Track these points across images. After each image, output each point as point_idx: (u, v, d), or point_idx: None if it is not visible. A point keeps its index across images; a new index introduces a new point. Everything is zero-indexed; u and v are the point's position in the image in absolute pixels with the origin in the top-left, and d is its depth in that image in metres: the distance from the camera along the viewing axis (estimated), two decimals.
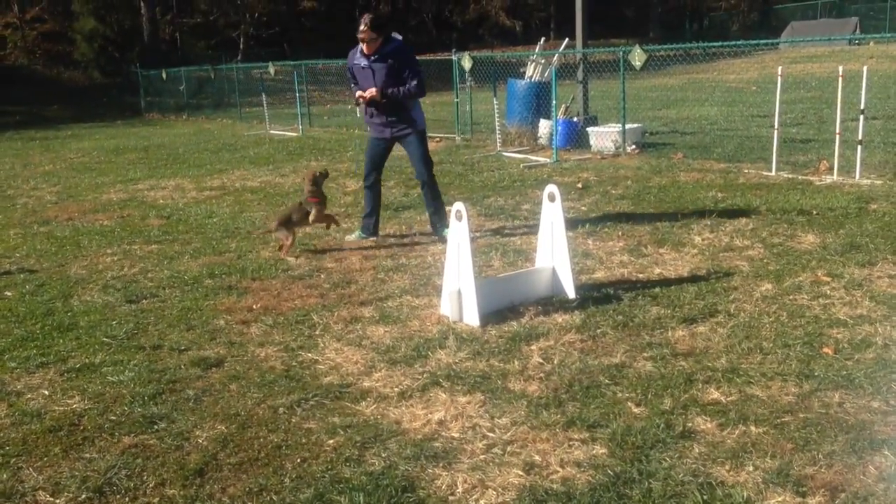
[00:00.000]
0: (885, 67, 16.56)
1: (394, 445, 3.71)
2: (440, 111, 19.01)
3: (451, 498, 3.27)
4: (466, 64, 15.23)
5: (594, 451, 3.53)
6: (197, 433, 3.92)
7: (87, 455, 3.76)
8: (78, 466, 3.65)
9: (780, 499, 3.07)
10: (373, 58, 7.14)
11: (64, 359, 4.98)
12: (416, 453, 3.61)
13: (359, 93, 7.27)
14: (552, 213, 5.74)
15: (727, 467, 3.33)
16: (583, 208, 8.57)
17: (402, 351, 4.83)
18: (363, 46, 7.13)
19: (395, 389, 4.31)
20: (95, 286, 6.57)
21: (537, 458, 3.52)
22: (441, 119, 17.98)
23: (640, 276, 6.07)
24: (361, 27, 7.03)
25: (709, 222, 7.53)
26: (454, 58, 15.78)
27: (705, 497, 3.11)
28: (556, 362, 4.52)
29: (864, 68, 9.11)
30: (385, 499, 3.28)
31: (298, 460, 3.62)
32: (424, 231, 7.94)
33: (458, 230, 5.30)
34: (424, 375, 4.46)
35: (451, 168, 11.95)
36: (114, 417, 4.13)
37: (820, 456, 3.35)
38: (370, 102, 7.27)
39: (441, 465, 3.52)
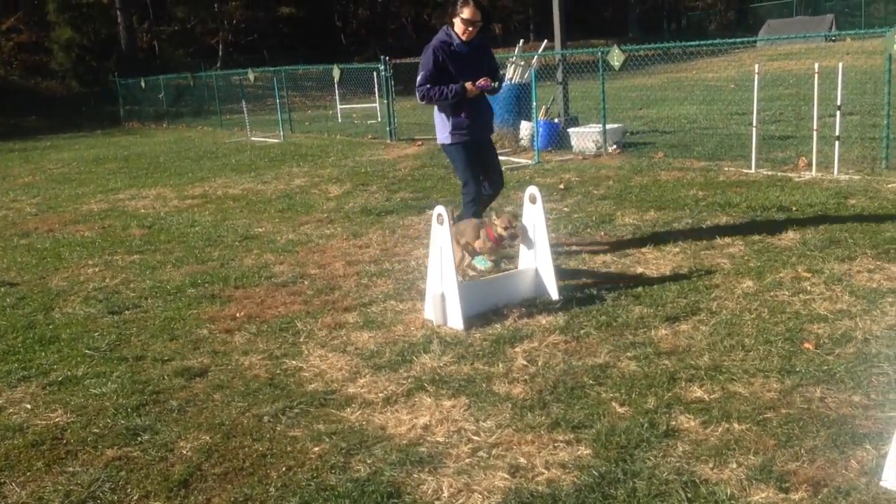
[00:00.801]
0: (861, 63, 16.69)
1: (379, 451, 3.71)
2: (421, 115, 19.03)
3: (436, 502, 3.28)
4: None
5: (579, 452, 3.54)
6: (181, 444, 3.90)
7: (71, 469, 3.73)
8: (61, 480, 3.63)
9: (763, 495, 3.09)
10: (472, 45, 6.31)
11: (46, 372, 4.94)
12: (402, 459, 3.61)
13: (478, 83, 6.20)
14: (534, 214, 5.76)
15: (711, 465, 3.34)
16: (565, 209, 8.59)
17: (387, 356, 4.83)
18: (462, 32, 6.21)
19: (380, 395, 4.31)
20: (77, 298, 6.53)
21: (522, 460, 3.52)
22: (423, 122, 17.99)
23: (623, 275, 6.09)
24: (472, 10, 6.13)
25: (690, 220, 7.57)
26: None
27: (689, 495, 3.12)
28: (540, 364, 4.53)
29: (840, 65, 9.19)
30: None
31: (284, 469, 3.61)
32: (407, 234, 7.95)
33: (440, 234, 5.30)
34: (409, 380, 4.46)
35: (434, 171, 11.96)
36: (97, 430, 4.10)
37: (802, 451, 3.37)
38: (473, 98, 6.30)
39: (426, 469, 3.52)
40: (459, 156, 6.45)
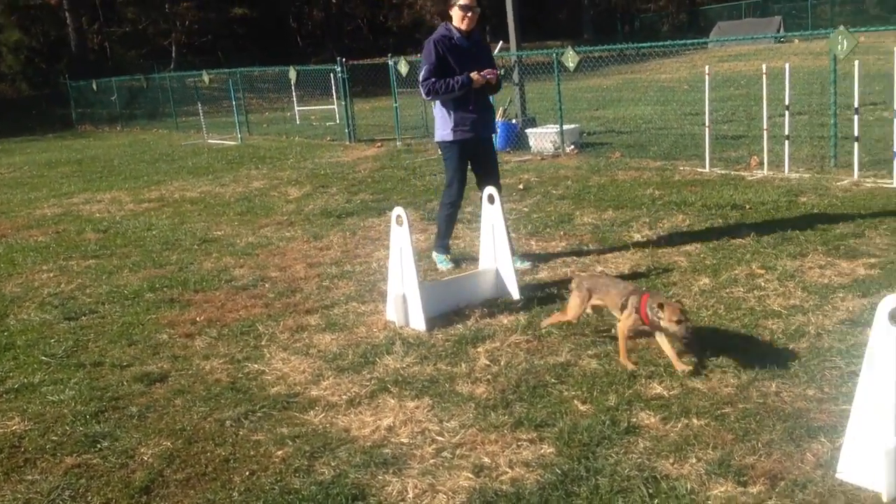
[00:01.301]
0: (809, 64, 17.04)
1: (343, 454, 3.71)
2: (379, 116, 19.00)
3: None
4: (403, 69, 15.25)
5: (542, 451, 3.58)
6: (142, 450, 3.87)
7: (30, 477, 3.68)
8: (20, 489, 3.57)
9: (722, 489, 3.15)
10: (472, 39, 6.23)
11: (2, 380, 4.86)
12: (366, 461, 3.62)
13: (483, 73, 6.11)
14: (492, 214, 5.79)
15: (671, 460, 3.40)
16: (525, 209, 8.65)
17: (350, 358, 4.83)
18: (461, 20, 6.09)
19: (344, 397, 4.31)
20: (32, 304, 6.41)
21: (486, 460, 3.55)
22: (381, 124, 17.97)
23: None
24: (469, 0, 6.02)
25: (647, 219, 7.67)
26: (391, 62, 15.78)
27: (650, 491, 3.18)
28: (502, 363, 4.57)
29: (787, 65, 9.38)
30: None
31: (247, 473, 3.60)
32: (368, 236, 7.95)
33: (400, 235, 5.31)
34: (372, 382, 4.47)
35: (394, 173, 11.97)
36: (55, 438, 4.04)
37: (759, 445, 3.44)
38: (478, 92, 6.20)
39: (391, 471, 3.53)
40: (454, 155, 6.33)
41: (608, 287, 4.66)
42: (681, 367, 4.22)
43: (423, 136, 15.70)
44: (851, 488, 3.06)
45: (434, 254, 6.72)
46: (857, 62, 8.61)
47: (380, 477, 3.49)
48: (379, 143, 15.88)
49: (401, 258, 5.34)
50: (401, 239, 5.32)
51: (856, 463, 3.08)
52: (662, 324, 4.20)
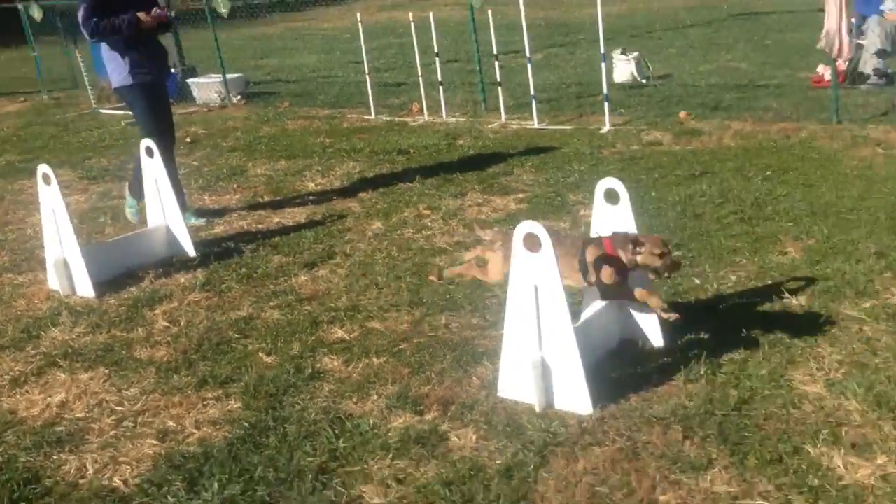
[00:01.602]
0: (458, 15, 18.08)
1: (11, 437, 3.46)
2: (19, 67, 17.19)
3: (81, 481, 3.14)
4: (36, 14, 13.80)
5: (229, 407, 3.58)
6: None
7: None
8: None
9: (401, 420, 3.37)
10: None
11: None
12: (38, 441, 3.40)
13: (153, 12, 5.83)
14: (154, 168, 5.54)
15: (354, 400, 3.57)
16: (194, 163, 8.38)
17: (10, 334, 4.47)
18: None
19: (6, 377, 3.99)
20: None
21: (171, 423, 3.48)
22: (22, 76, 16.27)
23: (260, 226, 6.14)
24: None
25: (320, 168, 7.79)
26: (20, 7, 14.20)
27: (336, 431, 3.31)
28: (182, 324, 4.46)
29: (430, 14, 9.91)
30: (6, 495, 3.06)
31: None
32: (19, 200, 7.24)
33: (50, 195, 4.94)
34: (38, 357, 4.18)
35: (43, 129, 10.96)
36: None
37: (433, 375, 3.72)
38: (148, 32, 5.85)
39: (67, 448, 3.35)
40: (141, 101, 5.90)
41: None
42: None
43: (73, 87, 14.48)
44: (511, 403, 3.42)
45: (127, 195, 6.26)
46: (489, 12, 9.30)
47: (55, 456, 3.30)
48: (23, 98, 14.38)
49: (55, 221, 4.98)
50: (51, 200, 4.96)
51: (511, 380, 3.44)
52: (640, 259, 3.47)
